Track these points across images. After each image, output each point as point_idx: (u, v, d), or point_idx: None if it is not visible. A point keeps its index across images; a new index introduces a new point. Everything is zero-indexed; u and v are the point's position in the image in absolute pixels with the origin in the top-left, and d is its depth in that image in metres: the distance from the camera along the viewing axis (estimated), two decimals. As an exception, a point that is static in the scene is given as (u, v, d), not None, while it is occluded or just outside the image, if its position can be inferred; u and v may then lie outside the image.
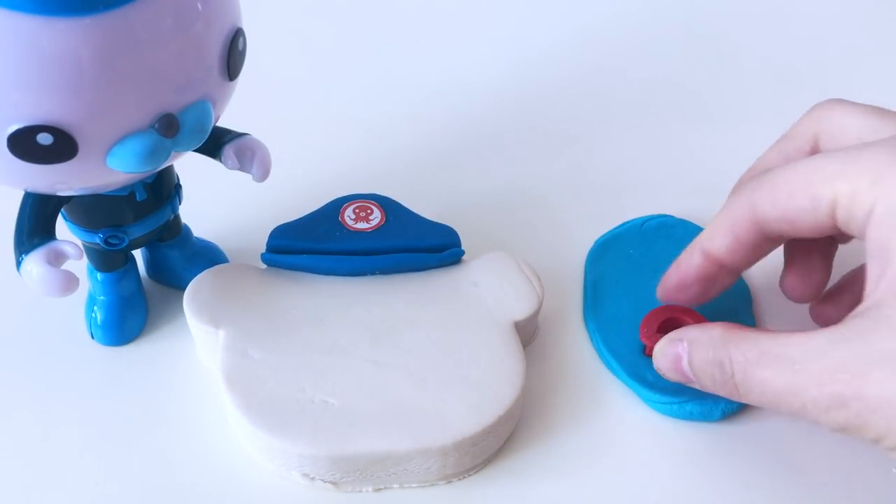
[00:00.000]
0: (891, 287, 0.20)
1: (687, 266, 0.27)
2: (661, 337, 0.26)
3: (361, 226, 0.29)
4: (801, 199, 0.23)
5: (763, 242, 0.25)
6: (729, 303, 0.30)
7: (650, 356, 0.27)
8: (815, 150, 0.26)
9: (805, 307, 0.31)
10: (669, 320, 0.28)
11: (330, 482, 0.25)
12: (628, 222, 0.34)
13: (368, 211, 0.30)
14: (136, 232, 0.27)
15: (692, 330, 0.25)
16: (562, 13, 0.48)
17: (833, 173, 0.22)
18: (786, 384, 0.21)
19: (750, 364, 0.22)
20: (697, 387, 0.25)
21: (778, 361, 0.21)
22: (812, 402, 0.20)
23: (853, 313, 0.21)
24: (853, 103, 0.25)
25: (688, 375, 0.24)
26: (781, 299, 0.31)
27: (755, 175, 0.26)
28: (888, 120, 0.24)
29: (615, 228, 0.33)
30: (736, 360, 0.22)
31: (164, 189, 0.27)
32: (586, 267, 0.32)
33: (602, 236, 0.33)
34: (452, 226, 0.30)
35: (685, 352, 0.24)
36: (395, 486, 0.26)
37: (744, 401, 0.23)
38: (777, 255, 0.32)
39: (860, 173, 0.21)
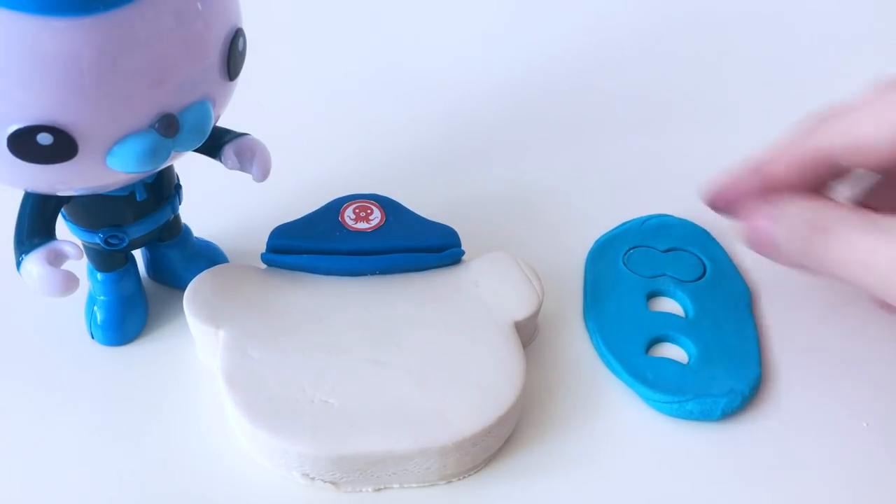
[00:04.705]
0: None
1: (741, 186, 0.27)
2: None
3: (361, 226, 0.29)
4: (865, 126, 0.24)
5: (826, 175, 0.26)
6: (729, 303, 0.30)
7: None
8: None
9: (805, 306, 0.31)
10: None
11: (330, 482, 0.25)
12: (628, 222, 0.34)
13: (368, 211, 0.30)
14: (136, 232, 0.27)
15: (789, 198, 0.25)
16: (561, 13, 0.48)
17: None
18: (875, 245, 0.22)
19: (843, 220, 0.23)
20: (775, 254, 0.25)
21: (871, 223, 0.23)
22: (886, 273, 0.22)
23: None
24: None
25: (774, 239, 0.25)
26: (782, 299, 0.31)
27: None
28: None
29: (615, 228, 0.33)
30: (831, 217, 0.24)
31: (164, 189, 0.27)
32: (586, 267, 0.32)
33: (602, 236, 0.33)
34: (452, 226, 0.30)
35: (778, 214, 0.25)
36: (395, 486, 0.26)
37: (825, 264, 0.24)
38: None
39: None
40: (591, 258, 0.32)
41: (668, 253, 0.32)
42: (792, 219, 0.25)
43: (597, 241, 0.33)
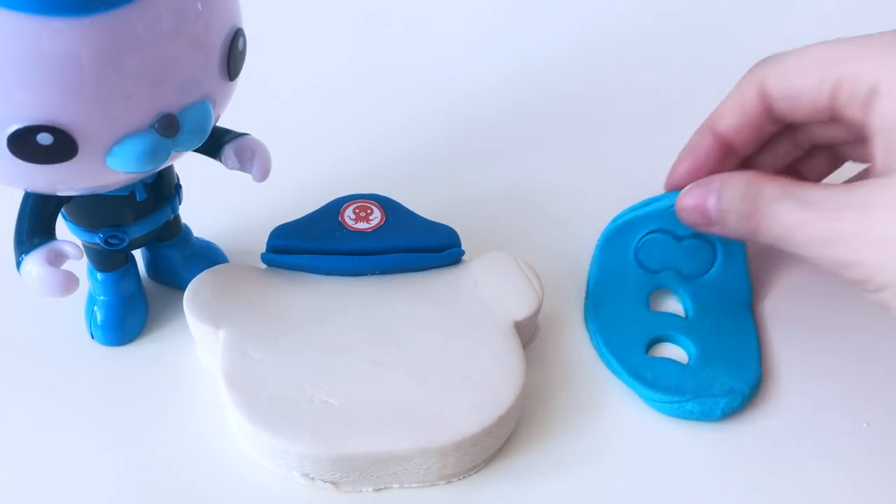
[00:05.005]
0: None
1: (698, 148, 0.29)
2: None
3: (361, 226, 0.29)
4: (808, 77, 0.25)
5: (766, 121, 0.27)
6: (729, 303, 0.30)
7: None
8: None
9: (805, 306, 0.31)
10: None
11: (330, 482, 0.25)
12: (652, 201, 0.31)
13: (368, 211, 0.30)
14: (136, 232, 0.27)
15: (725, 174, 0.26)
16: (561, 13, 0.48)
17: (839, 57, 0.24)
18: (798, 218, 0.23)
19: (775, 199, 0.24)
20: (714, 229, 0.27)
21: (797, 199, 0.24)
22: (815, 236, 0.23)
23: (867, 179, 0.23)
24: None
25: (710, 215, 0.26)
26: (782, 300, 0.31)
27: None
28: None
29: (637, 207, 0.31)
30: (765, 196, 0.24)
31: (164, 189, 0.27)
32: (598, 248, 0.31)
33: (622, 213, 0.31)
34: (452, 226, 0.30)
35: (716, 190, 0.26)
36: (395, 486, 0.26)
37: (758, 237, 0.25)
38: (778, 254, 0.32)
39: (864, 57, 0.23)
40: (606, 240, 0.31)
41: (685, 240, 0.30)
42: (727, 196, 0.26)
43: (615, 219, 0.31)
